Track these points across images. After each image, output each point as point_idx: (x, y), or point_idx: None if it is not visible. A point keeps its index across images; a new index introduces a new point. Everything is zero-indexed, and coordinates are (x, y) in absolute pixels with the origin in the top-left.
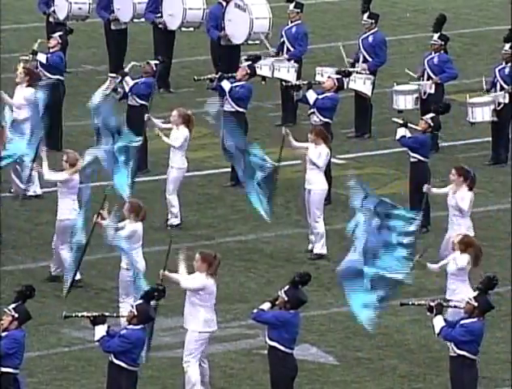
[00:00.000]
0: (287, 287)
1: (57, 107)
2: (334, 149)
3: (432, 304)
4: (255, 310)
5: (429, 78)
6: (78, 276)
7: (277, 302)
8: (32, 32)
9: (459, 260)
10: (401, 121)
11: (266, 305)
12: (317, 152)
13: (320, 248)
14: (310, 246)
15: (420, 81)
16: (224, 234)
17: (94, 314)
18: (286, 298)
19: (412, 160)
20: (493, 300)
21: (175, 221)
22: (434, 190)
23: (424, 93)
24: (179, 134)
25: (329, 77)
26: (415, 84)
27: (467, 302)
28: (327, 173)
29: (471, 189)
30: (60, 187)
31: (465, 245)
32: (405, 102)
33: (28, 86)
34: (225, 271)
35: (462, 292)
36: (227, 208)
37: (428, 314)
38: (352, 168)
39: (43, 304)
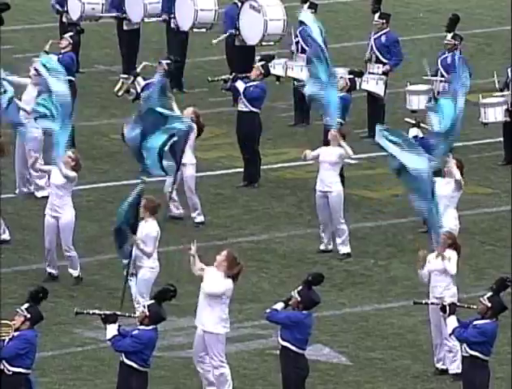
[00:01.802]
0: (300, 287)
1: None
2: None
3: (445, 303)
4: (268, 310)
5: (442, 77)
6: (77, 273)
7: (290, 302)
8: (45, 33)
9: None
10: (413, 122)
11: (280, 306)
12: (338, 153)
13: (347, 248)
14: (322, 247)
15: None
16: (237, 234)
17: (106, 312)
18: (299, 299)
19: None
20: (505, 301)
21: (200, 218)
22: None
23: (438, 93)
24: None
25: (341, 77)
26: (429, 78)
27: (481, 303)
28: (340, 174)
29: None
30: (63, 186)
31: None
32: (418, 102)
33: None
34: None
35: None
36: (239, 208)
37: (441, 313)
38: (365, 168)
39: (56, 304)
